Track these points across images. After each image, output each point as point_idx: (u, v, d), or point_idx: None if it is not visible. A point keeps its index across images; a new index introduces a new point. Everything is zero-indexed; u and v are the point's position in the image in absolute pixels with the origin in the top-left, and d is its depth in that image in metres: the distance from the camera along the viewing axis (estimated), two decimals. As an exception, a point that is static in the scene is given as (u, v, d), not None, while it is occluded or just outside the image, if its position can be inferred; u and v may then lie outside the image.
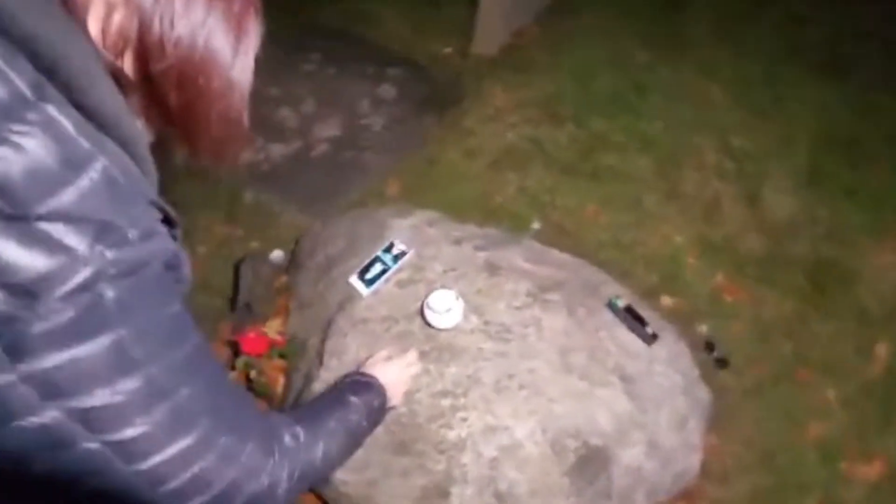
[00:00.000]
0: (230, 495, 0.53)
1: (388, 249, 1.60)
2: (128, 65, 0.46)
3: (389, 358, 1.22)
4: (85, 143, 0.40)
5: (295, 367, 1.65)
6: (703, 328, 1.92)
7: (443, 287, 1.37)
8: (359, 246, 1.70)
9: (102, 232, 0.40)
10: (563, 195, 2.22)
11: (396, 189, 2.21)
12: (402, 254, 1.59)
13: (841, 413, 1.77)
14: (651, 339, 1.54)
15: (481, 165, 2.27)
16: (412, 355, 1.28)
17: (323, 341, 1.54)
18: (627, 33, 2.83)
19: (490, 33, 2.66)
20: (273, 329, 1.70)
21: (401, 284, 1.53)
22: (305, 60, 2.68)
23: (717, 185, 2.29)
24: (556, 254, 1.77)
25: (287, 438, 0.65)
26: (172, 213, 0.49)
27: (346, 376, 1.05)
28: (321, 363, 1.48)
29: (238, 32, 0.50)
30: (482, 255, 1.60)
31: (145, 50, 0.45)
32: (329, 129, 2.41)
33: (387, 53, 2.73)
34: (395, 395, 1.10)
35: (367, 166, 2.29)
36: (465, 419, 1.30)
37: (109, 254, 0.40)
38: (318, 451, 0.70)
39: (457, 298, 1.33)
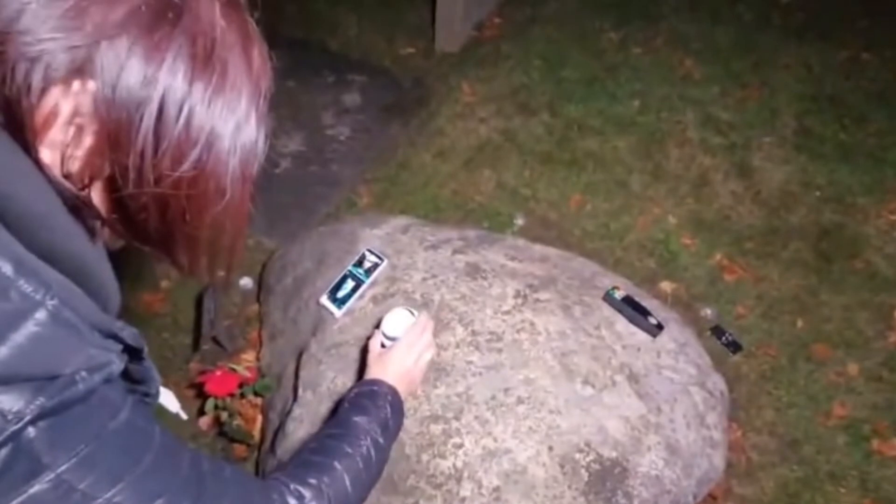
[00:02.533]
0: None
1: (359, 263, 1.43)
2: (97, 193, 0.40)
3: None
4: (26, 288, 0.34)
5: (271, 404, 1.47)
6: (708, 312, 1.76)
7: (396, 308, 1.01)
8: (328, 263, 1.53)
9: (43, 386, 0.35)
10: (543, 187, 2.06)
11: (369, 199, 2.04)
12: (375, 266, 1.42)
13: (865, 388, 1.62)
14: (656, 329, 1.38)
15: (455, 165, 2.11)
16: (418, 328, 0.95)
17: (296, 372, 1.36)
18: (594, 14, 2.69)
19: (451, 29, 2.51)
20: (245, 364, 1.52)
21: (376, 300, 1.36)
22: (263, 76, 2.52)
23: (703, 160, 2.14)
24: (542, 249, 1.60)
25: None
26: (132, 340, 0.43)
27: (350, 390, 0.88)
28: (295, 397, 1.30)
29: (246, 130, 0.42)
30: (462, 258, 1.44)
31: (122, 177, 0.38)
32: (293, 144, 2.24)
33: (348, 60, 2.58)
34: (409, 389, 0.91)
35: (335, 179, 2.12)
36: (459, 445, 1.13)
37: (49, 402, 0.35)
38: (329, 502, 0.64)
39: (413, 314, 0.99)
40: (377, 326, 0.99)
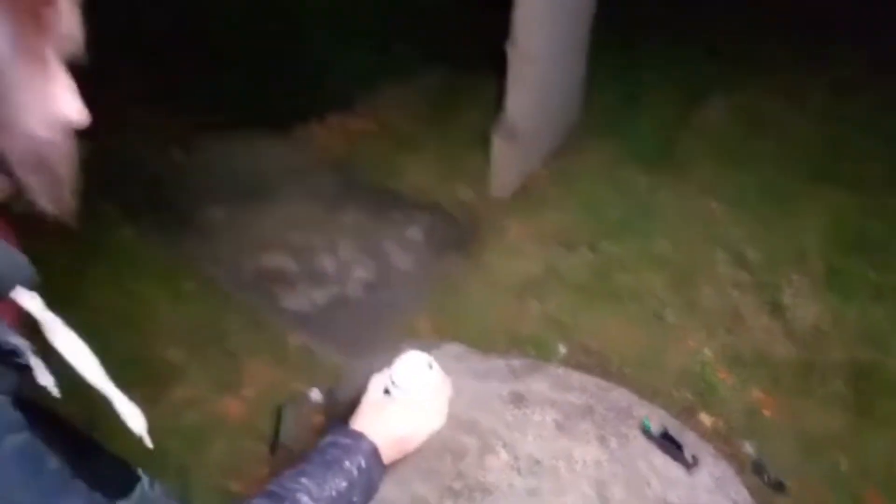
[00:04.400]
0: None
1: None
2: None
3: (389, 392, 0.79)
4: None
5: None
6: (748, 448, 1.78)
7: (413, 352, 0.85)
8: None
9: None
10: (584, 317, 2.22)
11: (427, 325, 2.27)
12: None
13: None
14: (691, 464, 1.44)
15: (505, 296, 2.33)
16: (432, 389, 0.79)
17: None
18: (628, 164, 3.00)
19: (503, 178, 2.87)
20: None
21: (431, 421, 1.52)
22: (344, 213, 2.92)
23: (735, 296, 2.25)
24: (582, 378, 1.73)
25: None
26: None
27: (328, 434, 0.72)
28: None
29: (25, 32, 0.40)
30: (507, 387, 1.59)
31: None
32: (363, 273, 2.56)
33: (413, 201, 2.97)
34: (397, 456, 0.74)
35: (398, 305, 2.38)
36: (501, 566, 1.21)
37: None
38: None
39: (431, 367, 0.82)
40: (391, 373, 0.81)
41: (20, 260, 0.49)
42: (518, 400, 1.52)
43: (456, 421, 1.47)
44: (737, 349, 2.06)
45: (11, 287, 0.49)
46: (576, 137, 3.28)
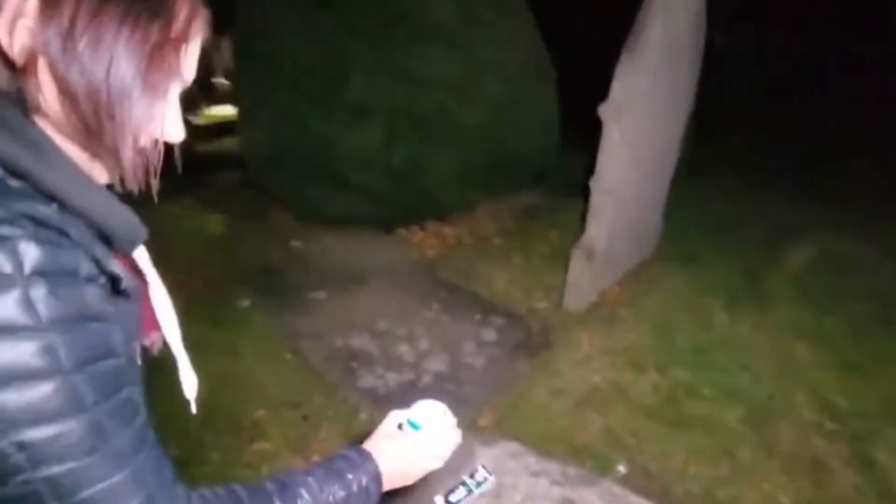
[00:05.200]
0: None
1: (472, 475, 1.69)
2: (43, 78, 0.47)
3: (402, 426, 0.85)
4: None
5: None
6: None
7: (433, 401, 0.90)
8: (447, 469, 1.80)
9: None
10: (648, 440, 2.17)
11: (489, 420, 2.34)
12: (485, 480, 1.65)
13: None
14: None
15: (567, 405, 2.36)
16: (441, 438, 0.85)
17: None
18: (705, 293, 3.01)
19: (578, 292, 3.00)
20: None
21: (479, 510, 1.57)
22: (428, 308, 3.18)
23: (819, 443, 2.10)
24: (639, 501, 1.70)
25: None
26: (110, 267, 0.50)
27: (341, 450, 0.79)
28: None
29: (150, 69, 0.48)
30: (559, 490, 1.61)
31: (51, 66, 0.46)
32: (437, 365, 2.72)
33: (492, 305, 3.16)
34: (395, 484, 0.79)
35: (464, 398, 2.49)
36: None
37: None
38: None
39: (446, 416, 0.88)
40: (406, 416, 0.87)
41: (137, 221, 0.56)
42: (567, 504, 1.54)
43: (503, 512, 1.52)
44: (818, 502, 1.89)
45: (137, 244, 0.59)
46: (652, 262, 3.38)
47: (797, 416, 2.22)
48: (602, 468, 2.04)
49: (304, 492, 0.65)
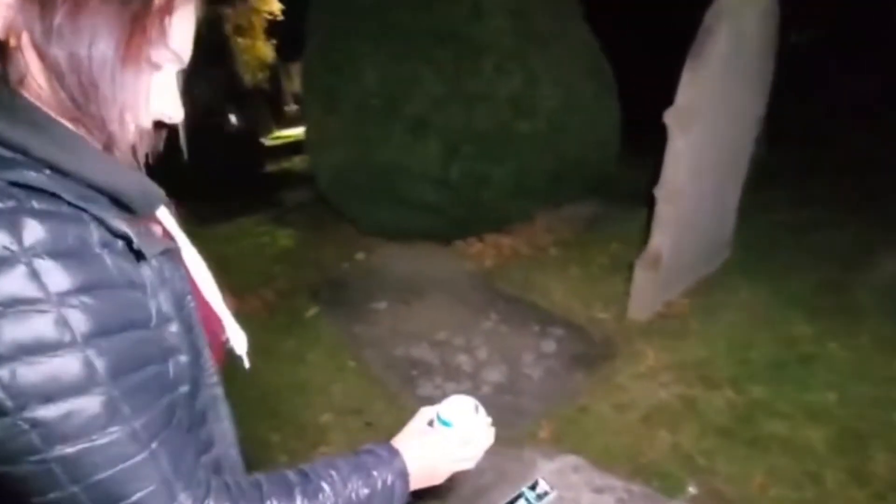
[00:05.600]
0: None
1: (532, 487, 1.66)
2: (28, 54, 0.46)
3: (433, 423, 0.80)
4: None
5: None
6: None
7: (463, 396, 0.84)
8: (506, 479, 1.78)
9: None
10: (722, 461, 2.04)
11: (548, 433, 2.29)
12: (545, 494, 1.62)
13: None
14: None
15: (632, 419, 2.26)
16: (472, 436, 0.79)
17: (463, 570, 1.55)
18: (786, 306, 2.80)
19: (643, 303, 2.89)
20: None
21: (539, 522, 1.54)
22: (486, 319, 3.18)
23: (921, 472, 1.88)
24: (711, 523, 1.60)
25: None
26: (114, 225, 0.47)
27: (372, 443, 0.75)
28: (457, 592, 1.47)
29: (132, 40, 0.47)
30: (622, 506, 1.55)
31: (34, 41, 0.45)
32: (495, 375, 2.71)
33: (551, 316, 3.11)
34: (423, 483, 0.75)
35: (523, 410, 2.45)
36: None
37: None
38: None
39: (477, 411, 0.82)
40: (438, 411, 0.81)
41: (150, 182, 0.56)
42: (631, 521, 1.48)
43: (564, 526, 1.48)
44: (922, 537, 1.69)
45: (158, 205, 0.58)
46: (724, 273, 3.19)
47: (893, 440, 2.01)
48: (671, 489, 1.94)
49: (325, 486, 0.62)
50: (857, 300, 2.78)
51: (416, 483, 0.72)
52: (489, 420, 0.82)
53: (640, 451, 2.12)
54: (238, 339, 0.73)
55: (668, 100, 2.49)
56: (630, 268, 2.91)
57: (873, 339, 2.49)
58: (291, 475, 0.62)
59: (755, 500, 1.89)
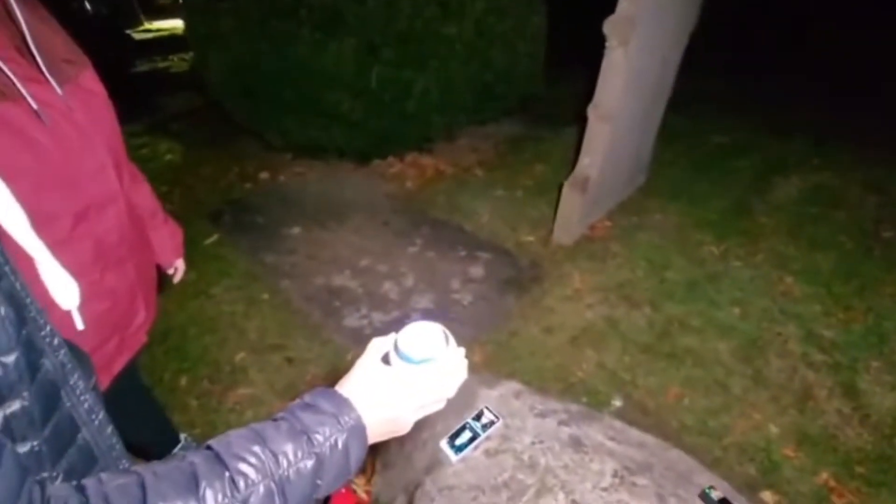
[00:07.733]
0: None
1: (477, 417, 1.61)
2: None
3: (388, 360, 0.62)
4: None
5: (378, 531, 1.58)
6: (816, 536, 1.64)
7: (428, 323, 0.68)
8: (446, 411, 1.72)
9: None
10: (642, 374, 2.16)
11: (480, 358, 2.27)
12: (491, 423, 1.58)
13: None
14: (754, 541, 1.35)
15: (560, 341, 2.31)
16: (447, 366, 0.62)
17: (408, 505, 1.49)
18: (695, 228, 2.97)
19: (567, 226, 2.90)
20: (360, 487, 1.68)
21: (488, 454, 1.50)
22: (411, 244, 3.02)
23: (806, 374, 2.14)
24: (639, 434, 1.68)
25: None
26: None
27: (310, 392, 0.58)
28: (405, 529, 1.42)
29: None
30: (566, 430, 1.56)
31: None
32: (424, 302, 2.61)
33: (478, 240, 3.03)
34: (386, 435, 0.59)
35: (455, 335, 2.40)
36: None
37: None
38: None
39: (447, 340, 0.66)
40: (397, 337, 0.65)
41: None
42: (577, 445, 1.49)
43: (516, 458, 1.46)
44: (806, 429, 1.94)
45: None
46: (642, 196, 3.29)
47: (785, 348, 2.25)
48: (599, 404, 2.02)
49: (247, 469, 0.45)
50: (757, 221, 3.02)
51: (375, 437, 0.57)
52: (463, 350, 0.65)
53: (570, 371, 2.18)
54: (65, 293, 0.58)
55: (598, 11, 2.31)
56: (556, 190, 2.87)
57: (770, 257, 2.73)
58: (198, 461, 0.45)
59: (672, 408, 2.04)
